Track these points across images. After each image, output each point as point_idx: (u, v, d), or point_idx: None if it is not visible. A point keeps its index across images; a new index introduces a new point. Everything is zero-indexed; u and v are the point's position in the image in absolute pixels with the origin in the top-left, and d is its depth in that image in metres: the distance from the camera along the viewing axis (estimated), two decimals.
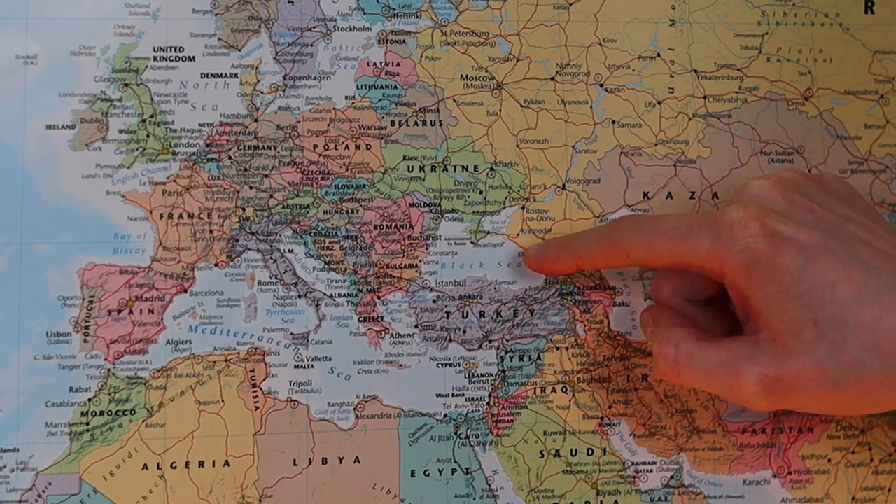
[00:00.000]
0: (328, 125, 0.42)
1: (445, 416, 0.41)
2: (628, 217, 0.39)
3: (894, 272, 0.35)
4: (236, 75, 0.42)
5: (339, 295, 0.41)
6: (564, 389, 0.42)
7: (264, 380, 0.40)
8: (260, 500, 0.40)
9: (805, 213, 0.37)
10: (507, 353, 0.42)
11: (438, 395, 0.41)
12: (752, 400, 0.35)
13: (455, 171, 0.42)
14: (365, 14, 0.43)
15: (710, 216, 0.36)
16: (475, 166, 0.42)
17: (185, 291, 0.40)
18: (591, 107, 0.43)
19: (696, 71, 0.44)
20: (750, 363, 0.35)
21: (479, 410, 0.41)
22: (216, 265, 0.41)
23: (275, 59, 0.42)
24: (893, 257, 0.36)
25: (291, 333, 0.41)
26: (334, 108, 0.42)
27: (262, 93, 0.42)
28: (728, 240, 0.36)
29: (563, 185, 0.43)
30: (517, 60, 0.43)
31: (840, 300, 0.34)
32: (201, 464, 0.39)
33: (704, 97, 0.44)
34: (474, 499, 0.41)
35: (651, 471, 0.42)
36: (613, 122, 0.43)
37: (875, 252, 0.35)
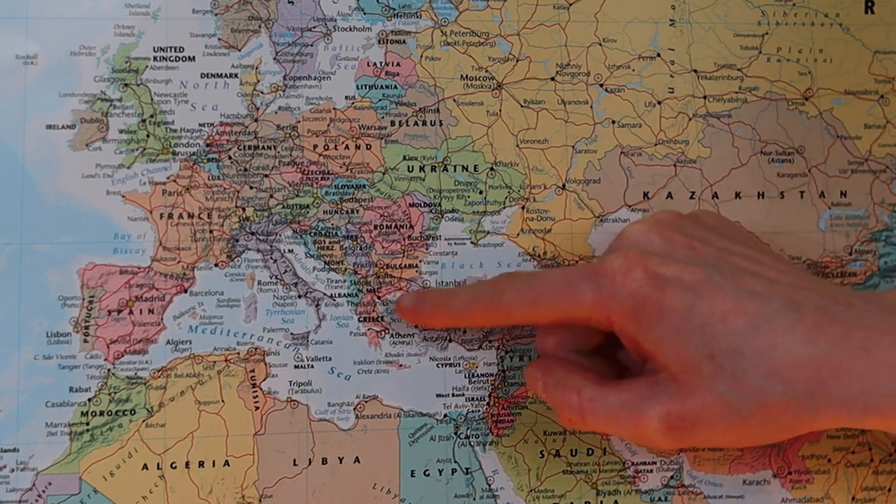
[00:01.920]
0: (328, 125, 0.42)
1: (445, 416, 0.41)
2: (507, 276, 0.38)
3: (784, 297, 0.35)
4: (236, 75, 0.42)
5: (339, 295, 0.41)
6: None
7: (264, 380, 0.40)
8: (260, 500, 0.40)
9: (686, 252, 0.36)
10: (507, 353, 0.42)
11: (438, 395, 0.41)
12: (656, 439, 0.35)
13: (455, 171, 0.42)
14: (365, 14, 0.43)
15: (589, 267, 0.36)
16: (475, 166, 0.42)
17: (185, 291, 0.40)
18: (591, 107, 0.43)
19: (696, 71, 0.44)
20: (651, 402, 0.35)
21: (479, 410, 0.41)
22: (216, 265, 0.41)
23: (275, 59, 0.42)
24: (781, 283, 0.35)
25: (291, 333, 0.41)
26: (334, 108, 0.42)
27: (262, 93, 0.42)
28: (611, 289, 0.35)
29: (563, 185, 0.43)
30: (517, 60, 0.43)
31: (733, 331, 0.34)
32: (201, 464, 0.39)
33: (704, 97, 0.44)
34: (474, 499, 0.41)
35: (651, 471, 0.42)
36: (613, 122, 0.43)
37: (762, 280, 0.35)
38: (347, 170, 0.42)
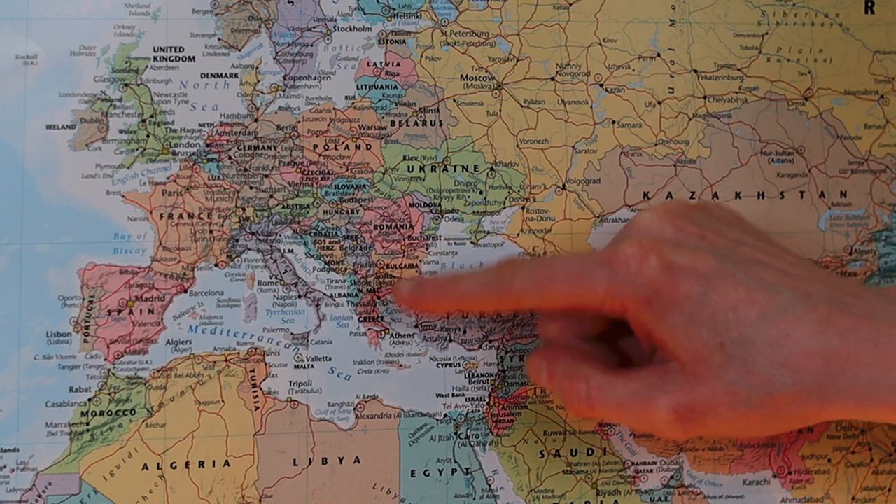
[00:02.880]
0: (328, 125, 0.42)
1: (445, 416, 0.41)
2: (514, 262, 0.38)
3: (795, 288, 0.35)
4: (236, 75, 0.42)
5: (339, 295, 0.41)
6: None
7: (264, 380, 0.40)
8: (260, 500, 0.40)
9: (697, 241, 0.37)
10: (507, 353, 0.42)
11: (438, 395, 0.41)
12: (665, 429, 0.35)
13: (455, 171, 0.42)
14: (365, 14, 0.43)
15: (602, 254, 0.36)
16: (475, 166, 0.42)
17: (185, 291, 0.40)
18: (591, 107, 0.43)
19: (696, 71, 0.44)
20: (661, 392, 0.35)
21: (479, 410, 0.41)
22: (216, 265, 0.41)
23: (275, 59, 0.42)
24: (791, 274, 0.36)
25: (291, 333, 0.41)
26: (334, 108, 0.42)
27: (262, 93, 0.42)
28: (626, 276, 0.35)
29: (564, 185, 0.43)
30: (517, 60, 0.43)
31: (744, 321, 0.34)
32: (201, 464, 0.39)
33: (704, 97, 0.44)
34: (474, 499, 0.41)
35: (651, 471, 0.42)
36: (613, 122, 0.43)
37: (772, 270, 0.36)
38: (347, 170, 0.42)
